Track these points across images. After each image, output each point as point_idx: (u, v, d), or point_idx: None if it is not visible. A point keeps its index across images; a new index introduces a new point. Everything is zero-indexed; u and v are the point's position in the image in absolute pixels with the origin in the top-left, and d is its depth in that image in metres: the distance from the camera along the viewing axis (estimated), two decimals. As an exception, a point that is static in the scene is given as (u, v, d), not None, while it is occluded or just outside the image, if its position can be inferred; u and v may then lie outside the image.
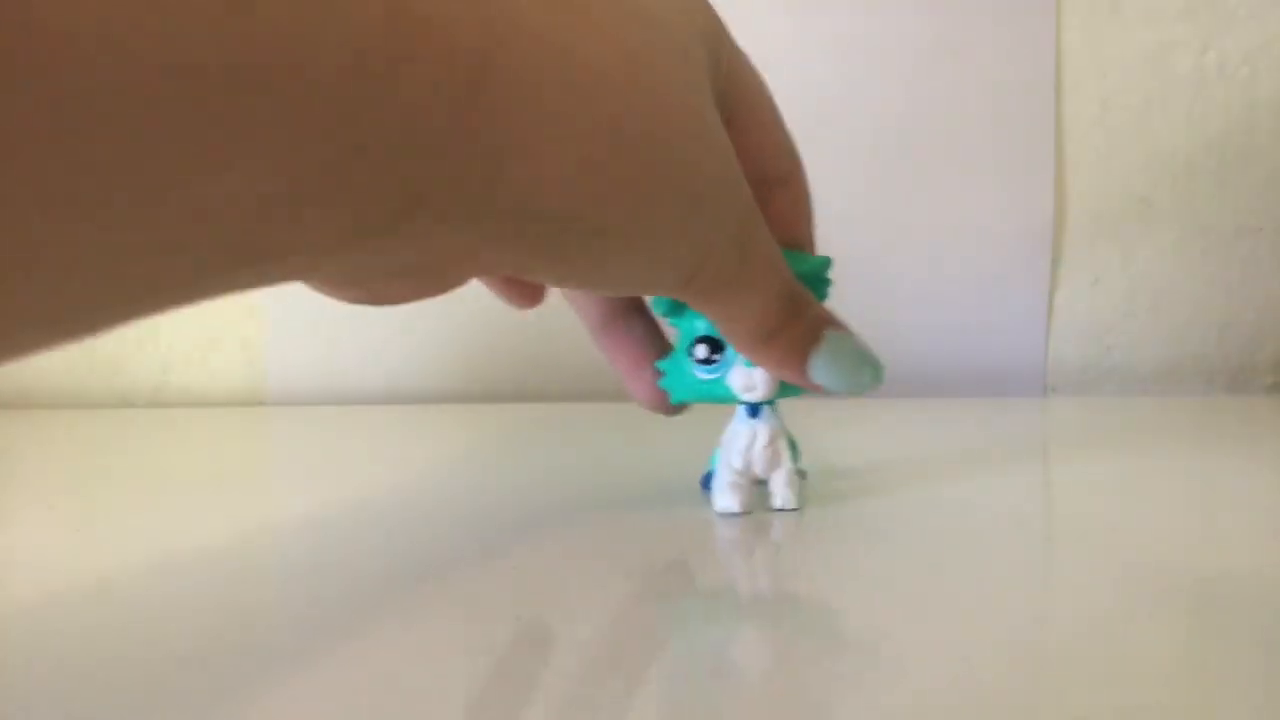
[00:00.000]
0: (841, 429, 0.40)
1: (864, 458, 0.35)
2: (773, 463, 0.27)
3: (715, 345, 0.26)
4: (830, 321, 0.24)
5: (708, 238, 0.20)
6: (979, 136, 0.50)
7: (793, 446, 0.28)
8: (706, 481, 0.30)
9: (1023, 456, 0.35)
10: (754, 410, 0.27)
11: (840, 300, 0.27)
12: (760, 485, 0.28)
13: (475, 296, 0.51)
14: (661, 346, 0.28)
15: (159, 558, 0.24)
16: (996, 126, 0.50)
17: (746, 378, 0.25)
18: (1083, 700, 0.16)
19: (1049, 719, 0.15)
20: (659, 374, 0.27)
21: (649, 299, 0.28)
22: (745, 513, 0.27)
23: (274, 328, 0.52)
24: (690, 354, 0.26)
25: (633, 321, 0.28)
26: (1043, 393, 0.51)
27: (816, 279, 0.27)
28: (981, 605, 0.20)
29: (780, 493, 0.27)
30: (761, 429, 0.27)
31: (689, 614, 0.20)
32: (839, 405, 0.39)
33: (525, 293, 0.28)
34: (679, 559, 0.24)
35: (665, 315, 0.28)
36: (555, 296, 0.49)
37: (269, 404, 0.53)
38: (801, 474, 0.28)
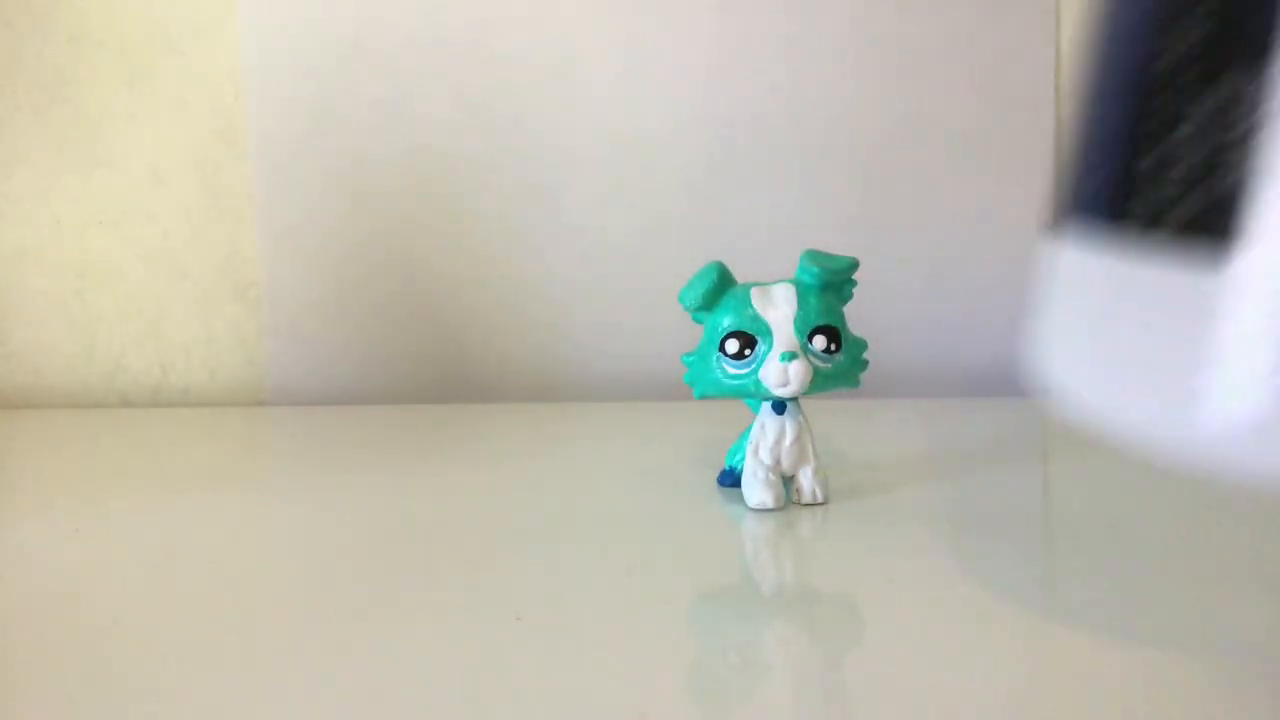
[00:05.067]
0: (842, 428, 0.40)
1: (867, 456, 0.35)
2: (800, 458, 0.27)
3: (746, 340, 0.26)
4: None
5: None
6: (979, 136, 0.50)
7: None
8: (725, 479, 0.30)
9: (1022, 456, 0.35)
10: (780, 407, 0.27)
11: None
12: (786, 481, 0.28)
13: (475, 296, 0.51)
14: None
15: (158, 558, 0.24)
16: (996, 126, 0.50)
17: (781, 373, 0.25)
18: (1082, 694, 0.16)
19: (1049, 712, 0.15)
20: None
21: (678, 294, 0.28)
22: (779, 508, 0.27)
23: (273, 328, 0.52)
24: (719, 350, 0.26)
25: None
26: (1042, 392, 0.51)
27: (844, 279, 0.27)
28: (990, 604, 0.20)
29: (809, 487, 0.27)
30: (789, 425, 0.27)
31: (739, 613, 0.20)
32: (839, 404, 0.39)
33: None
34: (717, 557, 0.24)
35: (692, 310, 0.28)
36: (560, 297, 0.48)
37: (269, 404, 0.52)
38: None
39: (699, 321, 0.28)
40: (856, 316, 0.27)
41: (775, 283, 0.27)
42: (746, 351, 0.26)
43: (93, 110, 0.51)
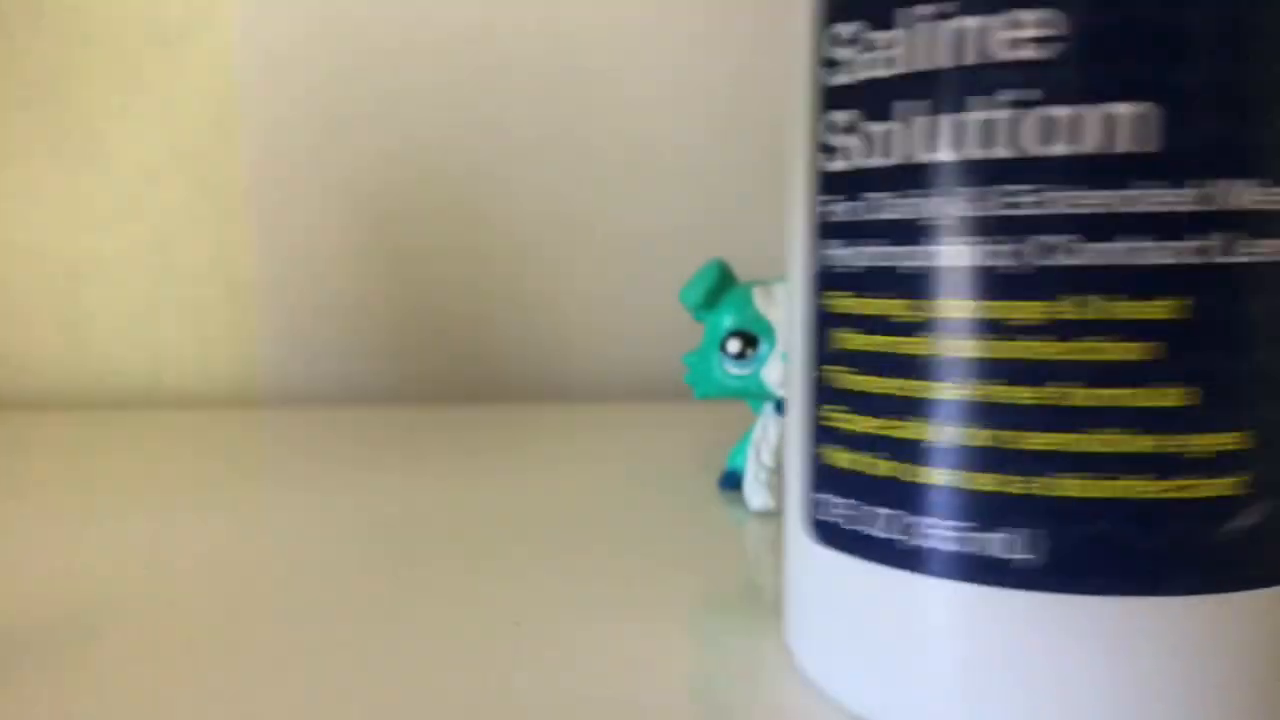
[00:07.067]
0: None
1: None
2: (803, 461, 0.27)
3: (748, 340, 0.25)
4: None
5: None
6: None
7: None
8: (726, 482, 0.29)
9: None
10: (783, 407, 0.27)
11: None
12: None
13: (471, 296, 0.51)
14: None
15: (151, 559, 0.24)
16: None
17: (784, 373, 0.25)
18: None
19: None
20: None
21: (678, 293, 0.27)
22: (781, 511, 0.26)
23: (267, 328, 0.51)
24: (721, 349, 0.26)
25: None
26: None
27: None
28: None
29: (811, 491, 0.27)
30: (792, 426, 0.27)
31: (741, 618, 0.20)
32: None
33: None
34: (718, 561, 0.23)
35: (693, 310, 0.27)
36: (559, 296, 0.47)
37: (262, 405, 0.52)
38: None
39: (700, 321, 0.27)
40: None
41: (777, 281, 0.26)
42: (748, 351, 0.26)
43: (85, 108, 0.51)
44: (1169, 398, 0.12)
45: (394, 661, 0.17)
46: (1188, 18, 0.12)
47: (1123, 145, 0.12)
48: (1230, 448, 0.12)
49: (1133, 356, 0.12)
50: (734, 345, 0.26)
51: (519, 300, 0.51)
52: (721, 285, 0.26)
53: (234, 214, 0.51)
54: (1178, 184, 0.12)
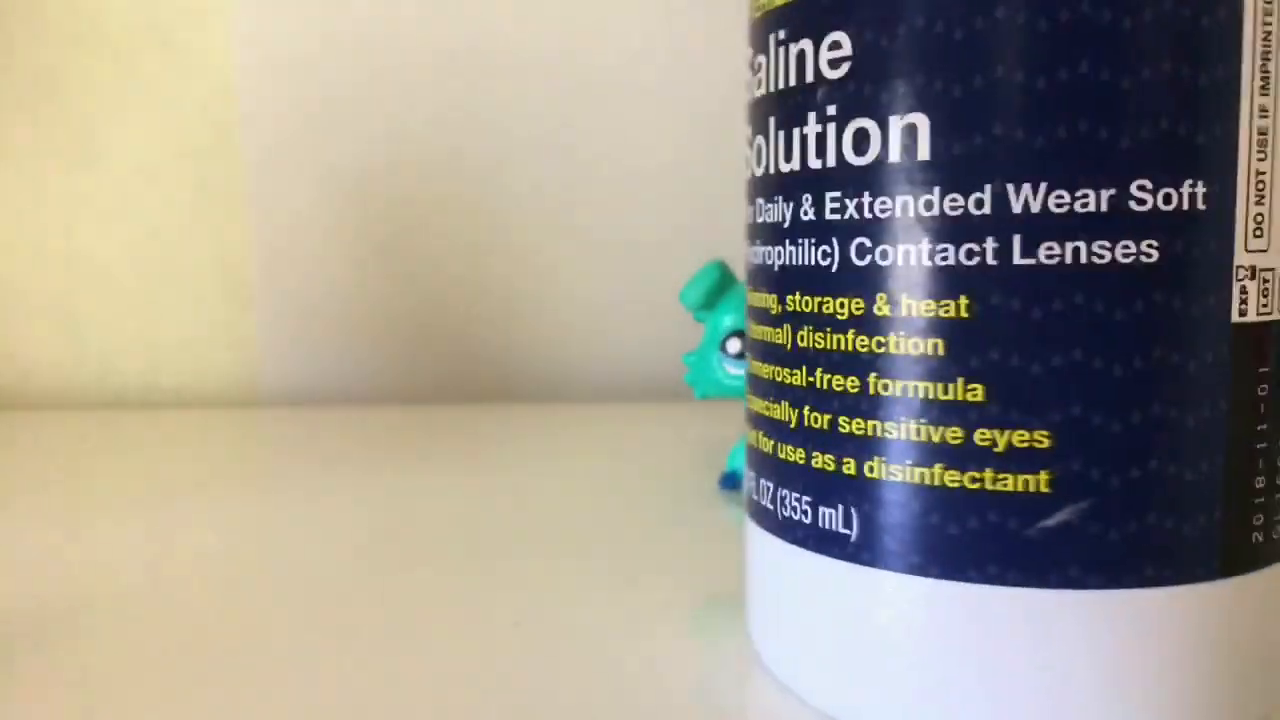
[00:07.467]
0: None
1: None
2: (803, 461, 0.27)
3: (748, 340, 0.25)
4: None
5: None
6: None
7: None
8: (726, 482, 0.29)
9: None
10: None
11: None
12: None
13: (472, 295, 0.51)
14: None
15: (151, 559, 0.24)
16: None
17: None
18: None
19: None
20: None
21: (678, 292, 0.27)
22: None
23: (266, 327, 0.51)
24: (720, 349, 0.26)
25: None
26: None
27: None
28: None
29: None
30: (792, 426, 0.27)
31: (740, 618, 0.20)
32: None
33: None
34: (718, 561, 0.23)
35: (693, 310, 0.27)
36: (559, 296, 0.47)
37: (262, 404, 0.52)
38: None
39: (700, 321, 0.27)
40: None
41: (778, 281, 0.26)
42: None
43: (83, 107, 0.51)
44: (959, 393, 0.13)
45: (393, 661, 0.17)
46: (962, 31, 0.13)
47: (914, 154, 0.13)
48: (1026, 445, 0.13)
49: (927, 352, 0.13)
50: (734, 345, 0.26)
51: (519, 299, 0.51)
52: (721, 285, 0.26)
53: (233, 214, 0.51)
54: (963, 189, 0.13)
